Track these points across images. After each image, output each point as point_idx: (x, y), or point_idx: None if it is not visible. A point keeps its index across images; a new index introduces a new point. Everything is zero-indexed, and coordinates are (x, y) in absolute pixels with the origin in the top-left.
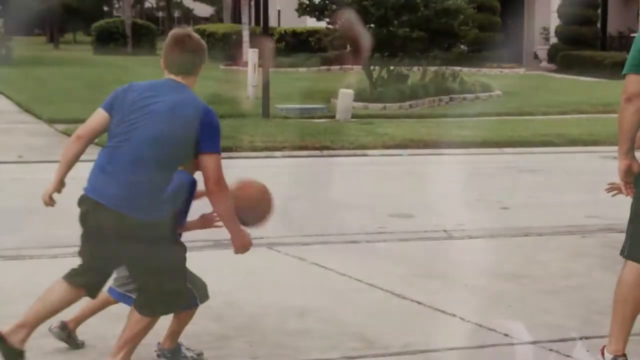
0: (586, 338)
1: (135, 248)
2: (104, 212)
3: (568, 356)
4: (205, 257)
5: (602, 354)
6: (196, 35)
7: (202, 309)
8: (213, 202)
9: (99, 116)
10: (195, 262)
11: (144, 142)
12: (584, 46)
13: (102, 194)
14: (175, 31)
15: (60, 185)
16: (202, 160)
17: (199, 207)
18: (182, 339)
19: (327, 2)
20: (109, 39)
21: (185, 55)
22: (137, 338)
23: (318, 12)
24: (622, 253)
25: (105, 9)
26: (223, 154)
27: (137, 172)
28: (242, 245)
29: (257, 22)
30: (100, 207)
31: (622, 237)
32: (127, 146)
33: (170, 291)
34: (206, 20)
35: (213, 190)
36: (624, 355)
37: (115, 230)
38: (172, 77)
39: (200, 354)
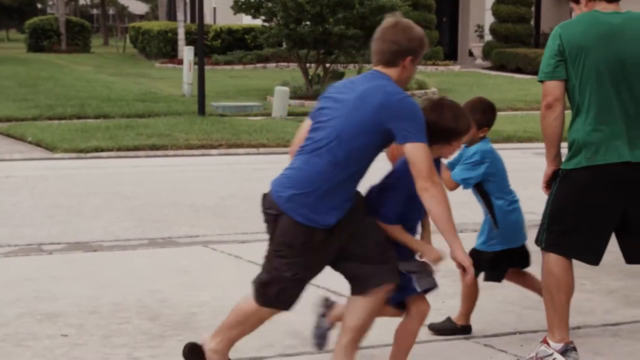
0: (520, 333)
1: (267, 229)
2: (267, 199)
3: (503, 351)
4: (140, 255)
5: (547, 344)
6: (404, 23)
7: (137, 308)
8: (425, 202)
9: (304, 125)
10: (129, 260)
11: (324, 133)
12: (518, 44)
13: (272, 184)
14: (385, 20)
15: None
16: (406, 154)
17: None
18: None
19: None
20: (43, 37)
21: (384, 44)
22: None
23: (254, 9)
24: (539, 244)
25: (39, 6)
26: (158, 152)
27: (306, 163)
28: (467, 264)
29: (193, 20)
30: (267, 195)
31: None
32: (310, 141)
33: None
34: (141, 17)
35: (424, 187)
36: (572, 342)
37: (268, 221)
38: (374, 68)
39: None
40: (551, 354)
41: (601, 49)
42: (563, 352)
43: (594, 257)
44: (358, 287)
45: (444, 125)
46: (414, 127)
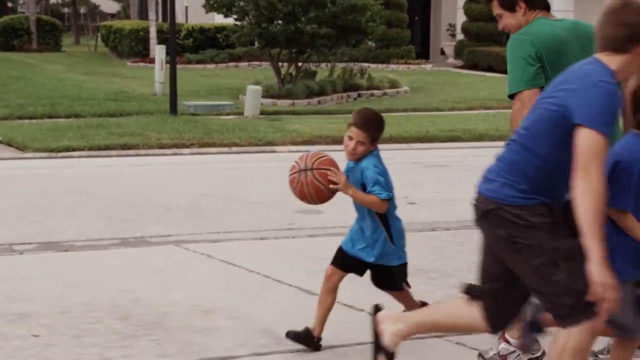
0: None
1: (490, 235)
2: (478, 201)
3: (474, 349)
4: (112, 255)
5: (506, 341)
6: (636, 4)
7: (108, 307)
8: (572, 193)
9: None
10: (101, 260)
11: (523, 121)
12: (490, 42)
13: (478, 185)
14: (611, 1)
15: None
16: (574, 138)
17: None
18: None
19: None
20: (13, 36)
21: (613, 28)
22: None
23: (225, 8)
24: None
25: (9, 5)
26: (129, 152)
27: (508, 152)
28: (599, 287)
29: (165, 19)
30: (476, 200)
31: None
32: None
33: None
34: (113, 16)
35: (575, 176)
36: None
37: (476, 213)
38: (597, 54)
39: None
40: (514, 351)
41: (568, 53)
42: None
43: None
44: None
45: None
46: (588, 110)
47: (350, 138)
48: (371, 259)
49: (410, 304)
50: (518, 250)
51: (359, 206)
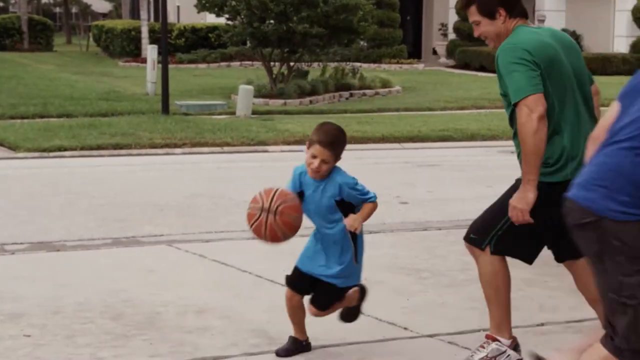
0: (484, 330)
1: (584, 246)
2: (574, 209)
3: (466, 348)
4: (104, 255)
5: (498, 341)
6: None
7: (100, 307)
8: None
9: (612, 110)
10: (93, 260)
11: (627, 120)
12: (482, 42)
13: (571, 192)
14: None
15: None
16: None
17: None
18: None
19: None
20: (5, 35)
21: None
22: None
23: (217, 8)
24: (482, 247)
25: (1, 4)
26: (121, 152)
27: (607, 154)
28: None
29: (156, 18)
30: (571, 206)
31: None
32: (611, 130)
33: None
34: (104, 16)
35: None
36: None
37: (570, 222)
38: None
39: None
40: (505, 351)
41: (560, 61)
42: (514, 348)
43: (533, 258)
44: None
45: None
46: None
47: (314, 156)
48: (332, 272)
49: (348, 301)
50: (602, 271)
51: (329, 220)
